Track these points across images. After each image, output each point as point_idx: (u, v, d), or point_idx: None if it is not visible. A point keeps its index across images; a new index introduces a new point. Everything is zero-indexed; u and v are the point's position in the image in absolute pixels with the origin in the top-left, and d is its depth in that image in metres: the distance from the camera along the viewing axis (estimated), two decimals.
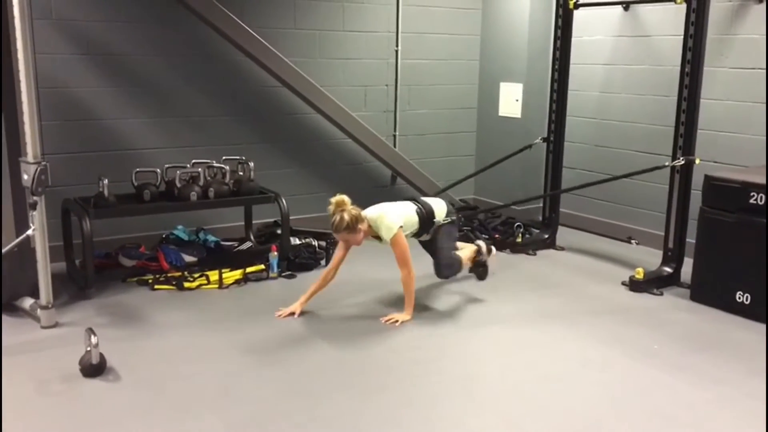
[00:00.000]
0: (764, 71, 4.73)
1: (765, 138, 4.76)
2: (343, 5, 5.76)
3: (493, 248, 4.67)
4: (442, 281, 4.50)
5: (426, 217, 4.16)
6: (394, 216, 3.99)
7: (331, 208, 3.89)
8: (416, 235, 4.21)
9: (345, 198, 3.90)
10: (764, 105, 4.75)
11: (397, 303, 4.22)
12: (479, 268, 4.58)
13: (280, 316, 4.04)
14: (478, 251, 4.52)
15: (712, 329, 4.03)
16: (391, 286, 4.41)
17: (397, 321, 3.96)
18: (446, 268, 4.26)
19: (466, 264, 4.44)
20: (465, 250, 4.49)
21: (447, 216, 4.26)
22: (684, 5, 4.43)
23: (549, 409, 3.09)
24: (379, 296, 4.40)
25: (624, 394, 3.24)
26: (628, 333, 3.93)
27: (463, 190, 6.57)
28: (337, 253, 4.12)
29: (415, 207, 4.16)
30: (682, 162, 4.53)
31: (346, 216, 3.84)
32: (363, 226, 3.92)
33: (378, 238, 4.01)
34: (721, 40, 4.92)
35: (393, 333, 3.89)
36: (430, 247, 4.35)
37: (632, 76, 5.61)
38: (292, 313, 4.05)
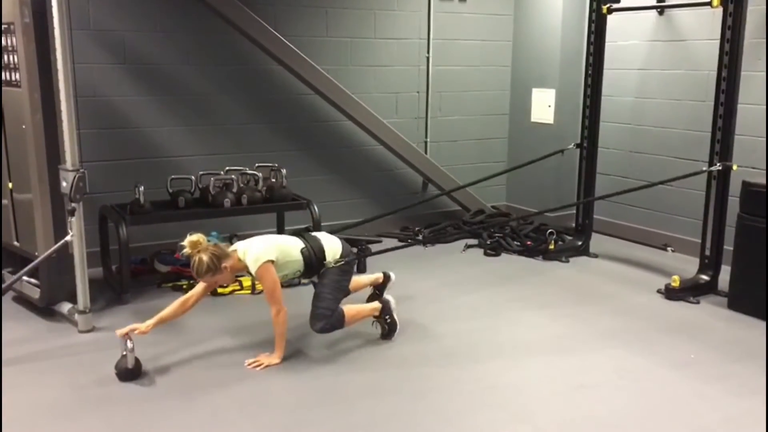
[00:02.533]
0: None
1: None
2: (374, 13, 5.78)
3: (390, 299, 3.95)
4: (463, 291, 4.42)
5: (314, 256, 3.66)
6: (265, 248, 3.53)
7: (187, 250, 3.41)
8: (303, 276, 3.76)
9: (200, 237, 3.43)
10: None
11: (425, 306, 4.21)
12: (386, 324, 3.88)
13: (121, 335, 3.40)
14: (384, 309, 3.88)
15: (751, 338, 3.94)
16: (424, 291, 4.39)
17: (261, 364, 3.48)
18: (320, 319, 3.61)
19: (355, 319, 3.78)
20: (365, 305, 3.93)
21: (341, 258, 3.73)
22: (720, 9, 4.36)
23: (584, 419, 3.06)
24: (407, 305, 4.40)
25: (660, 404, 3.19)
26: (664, 342, 3.87)
27: (494, 196, 6.54)
28: (198, 288, 3.58)
29: (302, 245, 3.65)
30: (719, 168, 4.45)
31: (205, 257, 3.37)
32: (228, 263, 3.46)
33: (250, 272, 3.57)
34: (758, 44, 4.83)
35: (424, 340, 3.88)
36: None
37: (667, 81, 5.53)
38: (133, 330, 3.39)
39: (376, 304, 3.91)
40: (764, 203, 4.12)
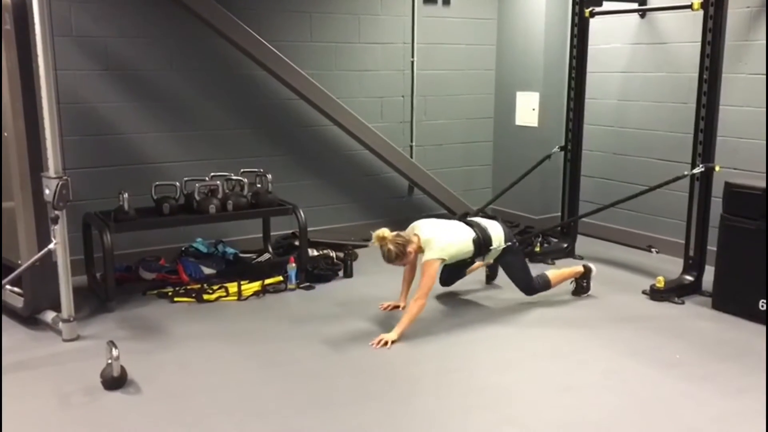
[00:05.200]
0: None
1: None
2: (358, 17, 5.79)
3: (593, 267, 4.65)
4: (454, 290, 4.60)
5: (482, 243, 4.19)
6: (444, 247, 4.03)
7: (376, 243, 3.96)
8: (472, 257, 4.26)
9: (384, 231, 3.95)
10: None
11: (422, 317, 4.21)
12: (581, 286, 4.62)
13: (386, 308, 4.30)
14: (585, 273, 4.59)
15: (735, 338, 3.98)
16: (410, 295, 4.39)
17: (387, 343, 3.81)
18: (530, 291, 4.42)
19: (560, 280, 4.53)
20: (570, 268, 4.64)
21: (505, 241, 4.27)
22: (701, 12, 4.41)
23: (571, 421, 3.07)
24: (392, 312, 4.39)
25: (647, 405, 3.20)
26: (649, 343, 3.89)
27: (481, 199, 6.55)
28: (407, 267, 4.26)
29: (473, 234, 4.18)
30: (702, 169, 4.49)
31: (392, 247, 3.92)
32: (411, 248, 4.00)
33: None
34: (739, 46, 4.88)
35: (414, 344, 3.87)
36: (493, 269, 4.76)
37: (650, 83, 5.58)
38: (397, 306, 4.30)
39: (579, 268, 4.62)
40: (747, 204, 4.15)
